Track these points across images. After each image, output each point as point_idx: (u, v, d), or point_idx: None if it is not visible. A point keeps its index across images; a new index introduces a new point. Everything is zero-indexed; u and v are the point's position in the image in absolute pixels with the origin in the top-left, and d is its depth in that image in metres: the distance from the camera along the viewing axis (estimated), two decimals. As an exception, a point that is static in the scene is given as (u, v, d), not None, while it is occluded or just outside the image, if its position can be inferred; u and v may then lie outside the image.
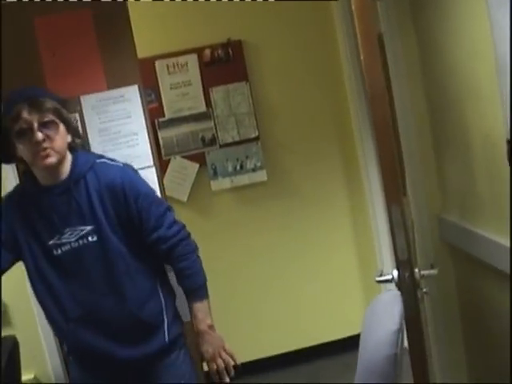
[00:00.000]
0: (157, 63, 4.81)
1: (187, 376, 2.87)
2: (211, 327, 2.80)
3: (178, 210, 4.01)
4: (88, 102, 3.53)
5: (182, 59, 4.85)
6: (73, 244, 2.62)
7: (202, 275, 2.83)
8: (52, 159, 2.53)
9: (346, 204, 5.10)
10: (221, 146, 4.91)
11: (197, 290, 2.79)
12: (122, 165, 2.75)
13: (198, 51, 4.86)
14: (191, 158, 4.89)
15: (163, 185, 3.67)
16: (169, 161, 4.80)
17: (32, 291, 2.77)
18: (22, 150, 2.54)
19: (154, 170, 3.60)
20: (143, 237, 2.70)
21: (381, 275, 2.70)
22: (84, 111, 3.54)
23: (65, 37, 3.59)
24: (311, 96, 4.98)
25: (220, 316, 4.83)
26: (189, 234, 2.82)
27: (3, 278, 3.67)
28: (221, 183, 4.93)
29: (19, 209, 2.67)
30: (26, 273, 2.73)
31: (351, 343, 5.03)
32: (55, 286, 2.67)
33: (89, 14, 3.55)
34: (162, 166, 4.53)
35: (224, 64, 4.89)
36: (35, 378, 3.91)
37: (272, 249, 5.01)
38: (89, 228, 2.62)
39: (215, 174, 4.91)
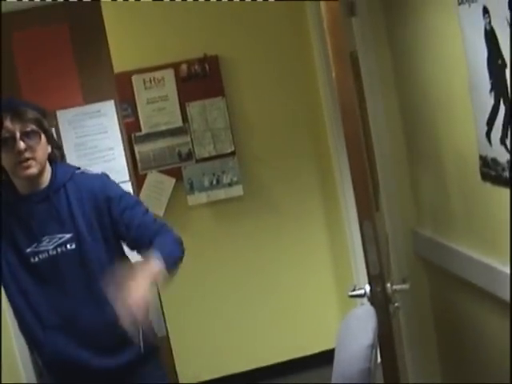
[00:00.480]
0: (133, 78, 4.80)
1: None
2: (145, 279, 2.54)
3: (155, 225, 4.02)
4: (64, 116, 3.55)
5: (158, 74, 4.85)
6: (50, 252, 2.62)
7: (178, 250, 2.75)
8: (33, 170, 2.55)
9: (322, 219, 5.11)
10: (197, 161, 4.91)
11: (166, 256, 2.57)
12: (100, 173, 2.78)
13: (175, 66, 4.86)
14: (168, 172, 4.89)
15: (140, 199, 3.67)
16: (145, 175, 4.80)
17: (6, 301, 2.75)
18: (3, 158, 2.56)
19: (129, 184, 3.62)
20: (127, 235, 2.70)
21: (354, 290, 2.72)
22: (60, 126, 3.56)
23: (42, 52, 3.63)
24: (287, 111, 5.00)
25: (192, 327, 4.90)
26: (171, 230, 2.81)
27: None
28: (197, 198, 4.94)
29: None
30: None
31: (326, 357, 5.05)
32: (31, 294, 2.66)
33: (66, 29, 3.57)
34: (138, 180, 4.56)
35: (200, 79, 4.90)
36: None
37: (248, 263, 5.01)
38: (68, 236, 2.62)
39: (191, 188, 4.92)
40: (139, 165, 4.75)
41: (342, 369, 2.17)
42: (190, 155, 4.90)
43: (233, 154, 4.93)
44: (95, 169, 3.50)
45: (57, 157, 2.72)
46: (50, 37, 3.59)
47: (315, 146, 5.03)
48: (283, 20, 4.90)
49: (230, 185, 4.94)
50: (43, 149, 2.60)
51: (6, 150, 2.53)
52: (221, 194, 4.95)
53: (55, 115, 3.55)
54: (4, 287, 2.71)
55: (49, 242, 2.62)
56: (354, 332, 2.31)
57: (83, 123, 3.55)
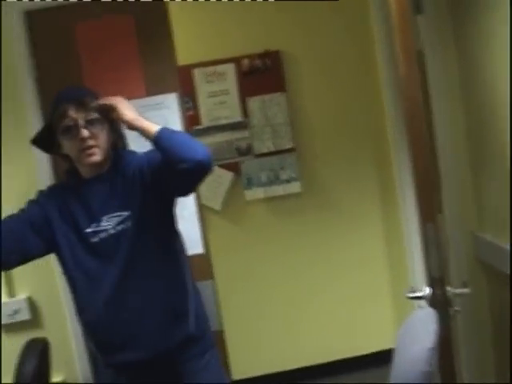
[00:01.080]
0: (195, 71, 4.82)
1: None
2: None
3: (212, 219, 4.04)
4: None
5: (220, 68, 4.86)
6: (110, 230, 2.65)
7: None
8: (97, 157, 2.62)
9: (380, 219, 5.06)
10: (256, 156, 4.91)
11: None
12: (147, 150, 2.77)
13: (236, 60, 4.86)
14: (226, 166, 4.89)
15: (198, 193, 3.68)
16: (204, 169, 4.80)
17: (63, 292, 2.78)
18: (67, 146, 2.63)
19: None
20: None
21: (412, 291, 2.69)
22: (122, 117, 3.56)
23: (106, 42, 3.64)
24: (348, 108, 4.95)
25: (247, 323, 4.90)
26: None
27: (36, 280, 3.73)
28: (255, 193, 4.93)
29: (58, 200, 2.72)
30: (57, 276, 2.75)
31: (379, 358, 5.03)
32: (92, 272, 2.69)
33: (131, 20, 3.58)
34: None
35: (261, 74, 4.89)
36: (64, 381, 3.93)
37: (303, 261, 4.99)
38: (125, 214, 2.65)
39: (249, 183, 4.91)
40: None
41: (402, 370, 2.16)
42: (248, 150, 4.89)
43: (292, 150, 4.91)
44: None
45: (120, 145, 2.78)
46: (115, 27, 3.60)
47: (375, 145, 4.98)
48: (346, 16, 4.85)
49: (288, 181, 4.92)
50: (106, 136, 2.67)
51: (70, 138, 2.59)
52: (278, 190, 4.93)
53: (118, 106, 3.56)
54: (65, 268, 2.75)
55: (108, 221, 2.66)
56: (415, 334, 2.28)
57: (145, 115, 3.53)
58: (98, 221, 2.66)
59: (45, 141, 2.70)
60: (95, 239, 2.67)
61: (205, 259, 3.63)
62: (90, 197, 2.69)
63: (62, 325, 3.79)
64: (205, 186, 4.75)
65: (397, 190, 4.91)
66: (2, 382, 3.56)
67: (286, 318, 5.03)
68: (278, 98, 4.89)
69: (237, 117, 4.87)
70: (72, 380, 3.96)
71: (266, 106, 4.87)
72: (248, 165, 4.90)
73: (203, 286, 3.59)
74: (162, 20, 3.62)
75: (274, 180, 4.91)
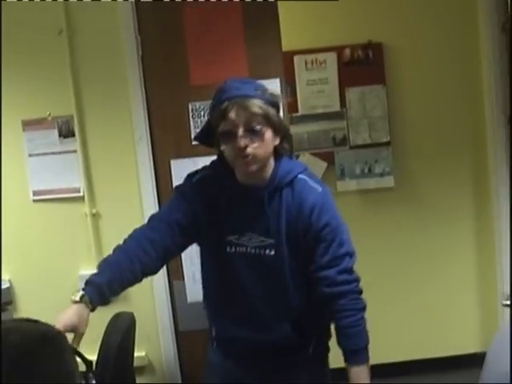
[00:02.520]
0: (296, 58, 4.80)
1: None
2: None
3: (302, 207, 4.02)
4: (228, 90, 3.56)
5: (321, 56, 4.83)
6: (249, 249, 2.56)
7: (365, 337, 2.55)
8: (252, 167, 2.44)
9: (472, 220, 4.97)
10: (351, 148, 4.86)
11: (355, 352, 2.53)
12: (320, 189, 2.56)
13: (338, 50, 4.82)
14: (320, 155, 4.87)
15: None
16: (297, 156, 4.79)
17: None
18: (224, 148, 2.48)
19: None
20: (311, 270, 2.55)
21: (508, 299, 2.63)
22: (225, 100, 3.57)
23: (212, 24, 3.64)
24: (448, 105, 4.87)
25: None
26: (360, 291, 2.58)
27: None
28: (347, 184, 4.89)
29: (206, 193, 2.62)
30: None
31: (460, 361, 4.96)
32: (219, 277, 2.68)
33: (238, 3, 3.58)
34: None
35: (362, 65, 4.84)
36: (146, 356, 3.97)
37: (392, 255, 4.94)
38: (270, 241, 2.54)
39: (342, 174, 4.88)
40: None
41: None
42: (344, 141, 4.85)
43: (387, 144, 4.86)
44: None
45: (285, 150, 2.58)
46: (222, 10, 3.60)
47: (473, 144, 4.88)
48: (452, 9, 4.75)
49: (381, 175, 4.87)
50: (267, 145, 2.46)
51: (228, 142, 2.43)
52: (371, 183, 4.89)
53: (220, 88, 3.57)
54: (202, 258, 2.76)
55: (250, 239, 2.56)
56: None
57: (246, 99, 3.55)
58: (240, 234, 2.57)
59: (207, 134, 2.57)
60: (231, 250, 2.59)
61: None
62: (240, 207, 2.57)
63: (148, 300, 3.83)
64: (297, 174, 4.74)
65: (492, 191, 4.80)
66: (88, 354, 3.61)
67: (373, 311, 4.98)
68: (377, 90, 4.84)
69: (334, 106, 4.84)
70: (153, 355, 4.00)
71: (365, 98, 4.83)
72: (342, 155, 4.86)
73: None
74: (269, 5, 3.59)
75: (368, 173, 4.87)
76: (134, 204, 3.72)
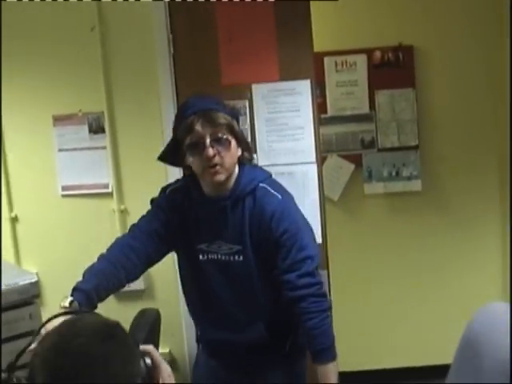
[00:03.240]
0: (326, 59, 4.80)
1: None
2: None
3: (328, 209, 4.02)
4: (259, 90, 3.57)
5: (351, 58, 4.82)
6: (219, 256, 2.65)
7: (330, 336, 2.60)
8: (220, 176, 2.54)
9: (499, 227, 4.94)
10: (379, 150, 4.85)
11: (322, 351, 2.58)
12: (280, 196, 2.63)
13: (368, 52, 4.82)
14: (347, 157, 4.86)
15: (323, 183, 3.66)
16: (325, 158, 4.78)
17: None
18: (191, 161, 2.55)
19: (315, 166, 3.60)
20: (275, 274, 2.62)
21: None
22: (254, 99, 3.58)
23: (244, 24, 3.64)
24: (477, 110, 4.85)
25: (355, 316, 4.86)
26: (323, 294, 2.62)
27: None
28: (374, 187, 4.88)
29: (177, 204, 2.71)
30: (174, 255, 2.81)
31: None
32: (195, 283, 2.77)
33: (271, 4, 3.58)
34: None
35: (392, 68, 4.83)
36: (170, 352, 3.98)
37: (416, 260, 4.92)
38: (237, 248, 2.63)
39: (370, 177, 4.86)
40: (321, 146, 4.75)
41: (488, 365, 2.07)
42: (372, 143, 4.84)
43: (416, 147, 4.84)
44: (283, 146, 3.56)
45: (246, 159, 2.68)
46: (254, 10, 3.60)
47: (502, 149, 4.85)
48: (482, 12, 4.74)
49: (409, 178, 4.85)
50: (232, 155, 2.56)
51: (195, 154, 2.51)
52: (399, 186, 4.87)
53: (250, 88, 3.58)
54: (179, 266, 2.86)
55: (220, 246, 2.65)
56: (496, 324, 2.21)
57: (276, 99, 3.55)
58: (210, 242, 2.67)
59: (171, 152, 2.67)
60: (203, 258, 2.68)
61: (322, 249, 3.61)
62: (207, 218, 2.66)
63: (173, 297, 3.82)
64: (324, 175, 4.74)
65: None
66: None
67: (392, 313, 4.98)
68: (407, 93, 4.83)
69: (363, 108, 4.83)
70: (177, 352, 4.02)
71: (395, 101, 4.81)
72: (370, 158, 4.86)
73: (318, 276, 3.58)
74: (302, 5, 3.59)
75: (395, 176, 4.85)
76: (162, 201, 3.73)
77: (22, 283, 3.52)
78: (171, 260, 3.77)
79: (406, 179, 4.85)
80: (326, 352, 2.58)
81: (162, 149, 3.68)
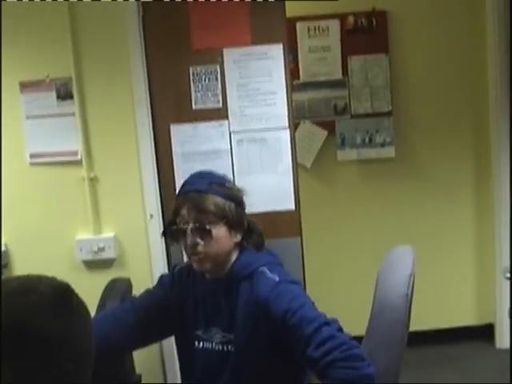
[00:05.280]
0: (298, 24, 4.74)
1: None
2: None
3: (301, 176, 3.99)
4: (231, 55, 3.51)
5: (323, 23, 4.76)
6: (214, 345, 2.50)
7: None
8: (204, 265, 2.42)
9: (471, 193, 4.94)
10: (352, 117, 4.81)
11: None
12: (277, 279, 2.39)
13: (341, 17, 4.76)
14: (320, 124, 4.82)
15: (296, 149, 3.62)
16: (298, 124, 4.74)
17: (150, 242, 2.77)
18: (181, 244, 2.45)
19: (288, 132, 3.56)
20: (300, 362, 2.37)
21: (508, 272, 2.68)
22: (225, 64, 3.52)
23: (215, -13, 3.58)
24: (451, 76, 4.82)
25: (327, 282, 4.85)
26: (355, 355, 2.17)
27: (124, 220, 3.74)
28: (347, 154, 4.85)
29: (181, 285, 2.60)
30: (145, 219, 2.71)
31: (453, 335, 4.96)
32: (191, 369, 2.61)
33: (242, -34, 3.52)
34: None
35: (366, 33, 4.77)
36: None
37: (389, 225, 4.91)
38: (229, 337, 2.46)
39: (343, 144, 4.83)
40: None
41: (384, 293, 2.39)
42: (345, 110, 4.80)
43: (389, 113, 4.81)
44: (255, 111, 3.51)
45: (251, 244, 2.52)
46: (225, -27, 3.54)
47: (475, 116, 4.84)
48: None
49: (382, 145, 4.82)
50: (219, 244, 2.40)
51: (180, 240, 2.42)
52: (372, 153, 4.84)
53: (222, 53, 3.52)
54: (177, 350, 2.73)
55: (215, 334, 2.50)
56: (396, 264, 2.50)
57: (248, 64, 3.50)
58: (205, 328, 2.53)
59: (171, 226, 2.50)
60: (198, 345, 2.54)
61: (295, 216, 3.58)
62: (204, 301, 2.53)
63: (144, 266, 3.79)
64: (297, 142, 4.69)
65: (492, 163, 4.76)
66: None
67: (364, 282, 4.96)
68: (380, 59, 4.79)
69: (336, 74, 4.79)
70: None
71: (368, 67, 4.77)
72: (343, 124, 4.82)
73: (291, 243, 3.56)
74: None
75: (368, 143, 4.82)
76: (132, 168, 3.67)
77: (-11, 252, 3.49)
78: (142, 228, 3.76)
79: (379, 146, 4.82)
80: None
81: (132, 116, 3.69)
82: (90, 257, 3.75)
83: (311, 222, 4.21)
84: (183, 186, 2.48)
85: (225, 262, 2.46)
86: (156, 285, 2.69)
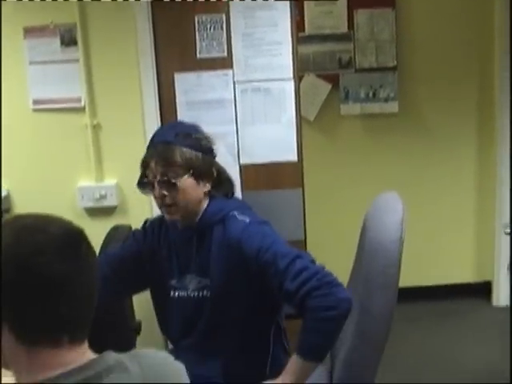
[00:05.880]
0: (304, -25, 4.71)
1: None
2: None
3: (304, 128, 3.98)
4: (236, 5, 3.48)
5: (330, -25, 4.73)
6: (189, 292, 2.55)
7: (322, 337, 2.25)
8: (174, 216, 2.48)
9: (474, 148, 4.96)
10: (356, 71, 4.80)
11: (306, 346, 2.29)
12: (248, 220, 2.46)
13: (349, -31, 4.73)
14: (324, 77, 4.80)
15: (300, 100, 3.61)
16: (302, 77, 4.71)
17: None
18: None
19: (292, 83, 3.55)
20: (277, 296, 2.41)
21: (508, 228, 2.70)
22: (231, 13, 3.50)
23: None
24: (457, 31, 4.81)
25: (328, 235, 4.86)
26: (328, 282, 2.24)
27: (126, 167, 3.75)
28: (351, 108, 4.84)
29: (155, 239, 2.65)
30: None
31: (451, 291, 4.99)
32: (168, 318, 2.67)
33: None
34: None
35: (372, -14, 4.74)
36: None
37: (390, 179, 4.91)
38: (206, 282, 2.51)
39: (346, 97, 4.82)
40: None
41: (376, 238, 2.37)
42: (349, 63, 4.79)
43: (394, 68, 4.80)
44: (260, 62, 3.50)
45: (220, 193, 2.56)
46: None
47: (480, 72, 4.83)
48: None
49: (385, 100, 4.81)
50: (187, 194, 2.44)
51: (149, 191, 2.49)
52: (375, 107, 4.84)
53: (228, 4, 3.49)
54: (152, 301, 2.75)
55: (190, 281, 2.55)
56: (385, 210, 2.49)
57: (253, 14, 3.48)
58: (180, 277, 2.57)
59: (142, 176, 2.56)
60: (174, 295, 2.59)
61: (297, 167, 3.59)
62: (178, 251, 2.58)
63: (146, 213, 3.77)
64: (301, 95, 4.68)
65: (496, 120, 4.77)
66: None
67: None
68: (386, 13, 4.77)
69: (342, 28, 4.77)
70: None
71: (374, 21, 4.75)
72: (347, 78, 4.81)
73: (293, 194, 3.58)
74: None
75: (372, 97, 4.81)
76: (136, 117, 3.66)
77: (-9, 197, 3.50)
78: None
79: (382, 101, 4.82)
80: (310, 349, 2.29)
81: (136, 64, 3.67)
82: (91, 204, 3.76)
83: (313, 174, 4.23)
84: (153, 137, 2.53)
85: (195, 210, 2.51)
86: (128, 239, 2.75)
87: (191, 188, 2.46)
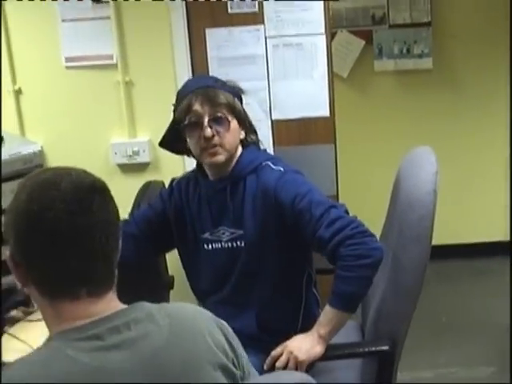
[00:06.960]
0: None
1: None
2: (321, 337, 2.32)
3: (337, 85, 3.95)
4: (268, -40, 3.46)
5: None
6: (223, 244, 2.55)
7: (355, 285, 2.26)
8: (220, 157, 2.43)
9: (506, 105, 4.91)
10: (390, 27, 4.75)
11: (339, 295, 2.29)
12: (283, 169, 2.47)
13: None
14: (358, 33, 4.76)
15: (331, 55, 3.59)
16: (335, 33, 4.68)
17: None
18: (190, 142, 2.46)
19: (324, 38, 3.52)
20: (309, 244, 2.43)
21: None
22: (260, -30, 3.48)
23: None
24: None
25: (360, 191, 4.85)
26: (361, 232, 2.28)
27: (158, 124, 3.75)
28: (384, 64, 4.80)
29: (183, 197, 2.64)
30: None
31: (483, 249, 4.96)
32: (199, 269, 2.65)
33: None
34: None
35: None
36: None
37: (424, 135, 4.84)
38: (239, 232, 2.50)
39: (380, 54, 4.78)
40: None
41: (410, 191, 2.35)
42: (383, 19, 4.74)
43: (428, 24, 4.74)
44: (291, 17, 3.47)
45: (250, 142, 2.56)
46: None
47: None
48: None
49: (420, 56, 4.77)
50: (233, 135, 2.45)
51: (194, 135, 2.42)
52: (409, 64, 4.79)
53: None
54: (181, 260, 2.74)
55: (223, 233, 2.54)
56: (419, 163, 2.46)
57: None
58: (213, 229, 2.56)
59: (172, 137, 2.54)
60: (208, 247, 2.58)
61: (329, 123, 3.58)
62: (210, 203, 2.56)
63: (178, 169, 3.78)
64: (333, 51, 4.65)
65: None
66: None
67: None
68: (422, -32, 4.68)
69: (375, -17, 4.70)
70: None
71: (408, -25, 4.68)
72: (381, 34, 4.77)
73: (325, 150, 3.57)
74: None
75: (406, 53, 4.76)
76: (168, 73, 3.65)
77: (25, 152, 3.53)
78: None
79: (416, 57, 4.77)
80: (342, 297, 2.29)
81: (167, 20, 3.65)
82: (124, 160, 3.77)
83: (346, 130, 4.20)
84: (187, 87, 2.50)
85: (232, 157, 2.49)
86: (156, 199, 2.75)
87: (237, 130, 2.47)
